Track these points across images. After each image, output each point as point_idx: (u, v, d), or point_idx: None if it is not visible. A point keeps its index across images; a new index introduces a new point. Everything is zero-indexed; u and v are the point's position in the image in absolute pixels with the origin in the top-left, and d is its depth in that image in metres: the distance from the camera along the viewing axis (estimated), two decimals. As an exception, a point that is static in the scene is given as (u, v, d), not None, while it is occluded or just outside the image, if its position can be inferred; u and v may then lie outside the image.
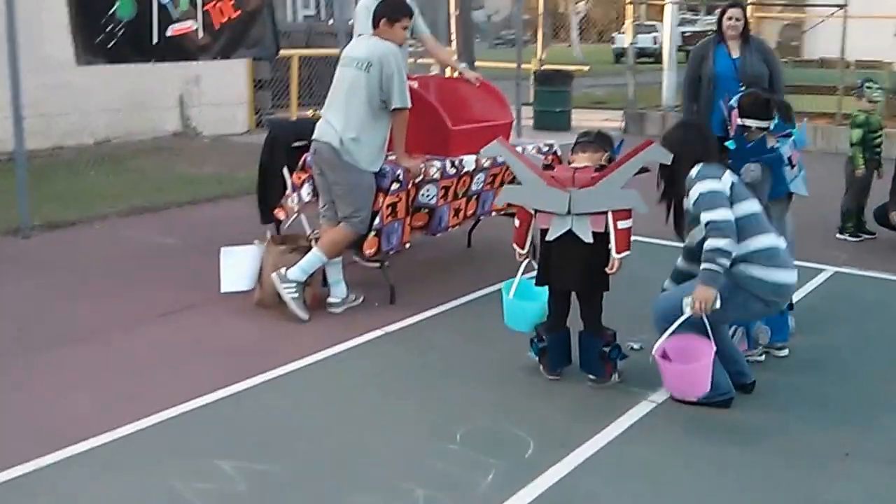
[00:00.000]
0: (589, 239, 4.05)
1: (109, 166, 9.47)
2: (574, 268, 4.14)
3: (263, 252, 5.28)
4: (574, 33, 33.71)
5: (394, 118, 5.06)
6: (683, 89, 7.15)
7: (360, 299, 5.40)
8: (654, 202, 4.19)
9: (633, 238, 4.14)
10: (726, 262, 3.78)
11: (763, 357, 4.63)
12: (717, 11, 7.21)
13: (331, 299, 5.30)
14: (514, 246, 4.33)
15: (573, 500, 3.34)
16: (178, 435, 3.77)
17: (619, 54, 30.66)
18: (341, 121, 5.00)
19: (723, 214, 3.82)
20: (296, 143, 6.59)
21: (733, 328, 4.44)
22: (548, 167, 4.16)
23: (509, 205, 6.10)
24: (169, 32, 7.21)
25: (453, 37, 13.94)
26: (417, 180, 5.30)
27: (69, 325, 5.03)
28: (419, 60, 10.71)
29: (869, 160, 7.16)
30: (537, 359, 4.37)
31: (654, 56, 29.12)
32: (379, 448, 3.68)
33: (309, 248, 5.21)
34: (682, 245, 4.24)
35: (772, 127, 4.68)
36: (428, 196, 5.45)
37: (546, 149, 6.27)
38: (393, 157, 5.23)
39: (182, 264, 6.24)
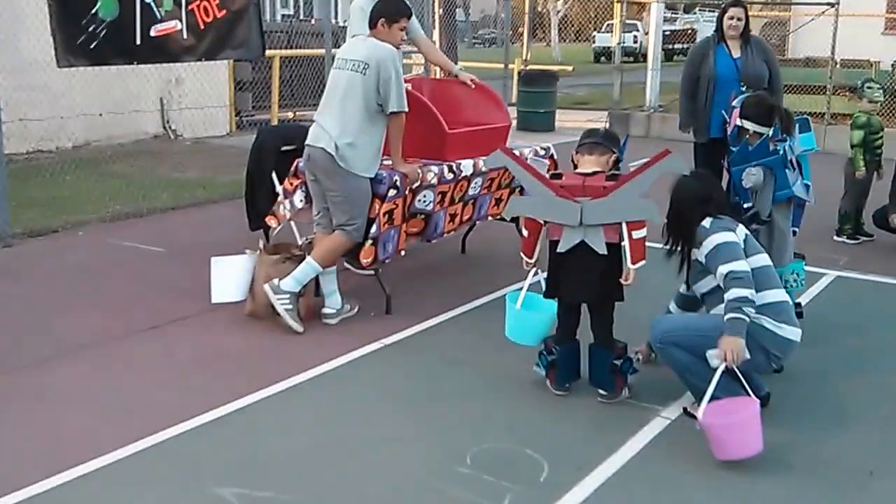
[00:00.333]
0: (603, 250, 3.90)
1: (89, 170, 9.22)
2: (587, 279, 3.98)
3: (255, 262, 5.08)
4: (554, 33, 33.65)
5: (390, 122, 4.89)
6: (681, 88, 7.00)
7: (356, 309, 5.22)
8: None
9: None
10: (751, 311, 3.67)
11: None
12: (716, 11, 7.08)
13: (325, 310, 5.11)
14: (522, 255, 4.16)
15: (594, 525, 3.19)
16: (171, 460, 3.57)
17: (599, 54, 30.75)
18: (336, 125, 4.82)
19: (743, 266, 3.73)
20: (284, 148, 6.44)
21: None
22: (556, 176, 3.98)
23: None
24: (152, 33, 6.99)
25: (435, 37, 13.78)
26: (414, 186, 5.12)
27: (55, 340, 4.81)
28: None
29: (869, 162, 7.07)
30: (544, 373, 4.21)
31: (633, 55, 29.20)
32: (387, 471, 3.50)
33: (302, 258, 5.03)
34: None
35: (769, 135, 4.56)
36: (424, 202, 5.28)
37: (542, 153, 6.12)
38: (388, 163, 5.05)
39: (170, 273, 6.03)
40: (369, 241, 4.94)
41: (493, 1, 45.61)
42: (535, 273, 4.18)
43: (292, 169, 5.44)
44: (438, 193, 5.32)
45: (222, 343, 4.78)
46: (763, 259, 3.90)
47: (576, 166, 4.12)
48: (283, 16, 21.65)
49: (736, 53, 6.69)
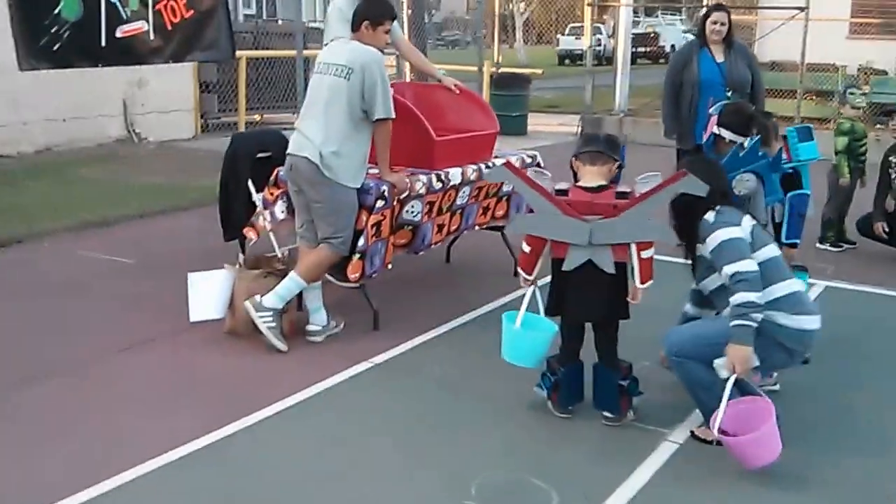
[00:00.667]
0: (611, 270, 3.71)
1: (53, 176, 8.87)
2: (593, 297, 3.79)
3: (234, 277, 4.83)
4: (519, 35, 33.54)
5: (377, 130, 4.66)
6: (664, 93, 6.88)
7: (341, 326, 4.98)
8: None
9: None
10: (759, 317, 3.50)
11: (778, 386, 4.35)
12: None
13: (310, 327, 4.87)
14: (520, 271, 3.95)
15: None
16: (149, 500, 3.31)
17: (563, 56, 30.74)
18: (320, 133, 4.58)
19: (749, 266, 3.55)
20: (260, 155, 6.19)
21: None
22: (561, 192, 3.77)
23: (494, 217, 5.85)
24: (118, 34, 6.66)
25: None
26: (402, 196, 4.91)
27: (20, 364, 4.50)
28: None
29: (854, 168, 6.98)
30: (546, 394, 4.02)
31: (597, 58, 29.20)
32: (387, 506, 3.29)
33: (285, 272, 4.79)
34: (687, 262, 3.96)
35: (746, 144, 4.41)
36: (413, 213, 5.06)
37: (529, 160, 5.93)
38: (374, 172, 4.83)
39: (141, 287, 5.74)
40: (357, 255, 4.72)
41: (460, 2, 45.46)
42: (534, 291, 3.97)
43: (272, 178, 5.20)
44: (426, 203, 5.11)
45: (202, 365, 4.52)
46: (771, 250, 3.71)
47: (575, 173, 3.93)
48: (245, 16, 21.25)
49: (720, 58, 6.59)
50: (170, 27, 6.99)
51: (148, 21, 6.80)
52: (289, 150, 4.70)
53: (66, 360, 4.54)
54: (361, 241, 4.71)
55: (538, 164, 5.97)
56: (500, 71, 14.41)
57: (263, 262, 5.02)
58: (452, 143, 5.29)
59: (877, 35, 15.92)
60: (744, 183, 4.36)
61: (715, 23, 6.59)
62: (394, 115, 4.63)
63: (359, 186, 4.69)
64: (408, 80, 9.97)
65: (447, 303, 5.50)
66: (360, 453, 3.67)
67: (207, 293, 4.77)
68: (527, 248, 3.83)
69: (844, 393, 4.35)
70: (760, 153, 4.45)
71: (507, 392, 4.23)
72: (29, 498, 3.26)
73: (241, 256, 4.89)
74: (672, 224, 3.83)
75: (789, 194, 4.70)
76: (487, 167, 5.50)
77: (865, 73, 14.05)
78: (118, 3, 6.70)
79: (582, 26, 31.50)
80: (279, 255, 5.13)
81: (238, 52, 11.49)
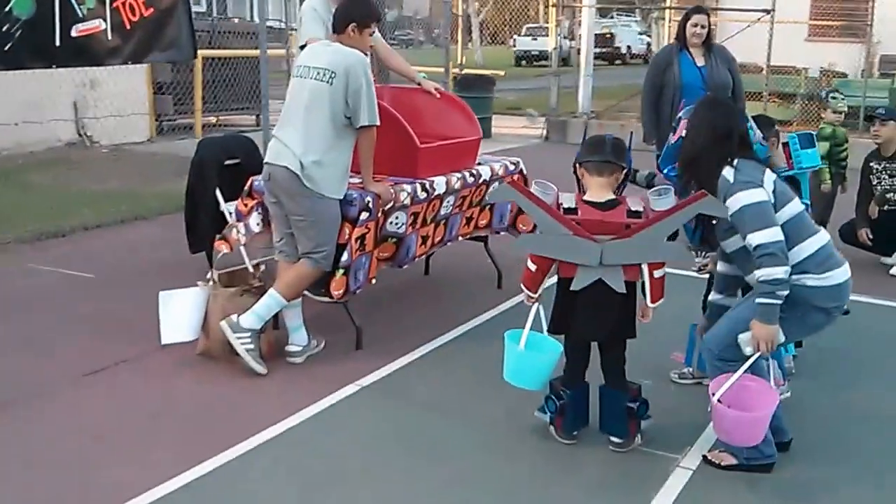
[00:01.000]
0: (622, 290, 3.49)
1: (0, 183, 8.39)
2: (602, 317, 3.56)
3: (209, 295, 4.50)
4: (476, 35, 33.34)
5: (361, 137, 4.38)
6: (644, 98, 6.72)
7: (322, 345, 4.69)
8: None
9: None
10: (785, 292, 3.26)
11: (789, 394, 4.18)
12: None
13: (290, 347, 4.57)
14: (524, 288, 3.69)
15: None
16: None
17: (520, 57, 30.64)
18: (300, 141, 4.29)
19: (773, 235, 3.26)
20: (228, 162, 5.90)
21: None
22: (570, 211, 3.51)
23: (477, 227, 5.60)
24: (73, 33, 6.28)
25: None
26: (387, 207, 4.63)
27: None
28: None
29: (835, 174, 6.86)
30: (549, 419, 3.78)
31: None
32: (390, 551, 3.01)
33: (262, 290, 4.49)
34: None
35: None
36: (397, 224, 4.79)
37: (512, 167, 5.69)
38: (356, 181, 4.55)
39: (104, 304, 5.37)
40: (340, 271, 4.43)
41: (422, 1, 45.08)
42: (538, 309, 3.72)
43: (246, 188, 4.88)
44: (411, 214, 4.84)
45: (175, 392, 4.19)
46: (795, 206, 3.43)
47: (579, 179, 3.70)
48: (196, 13, 20.66)
49: (700, 62, 6.46)
50: (128, 26, 6.63)
51: (105, 19, 6.43)
52: (266, 159, 4.40)
53: (24, 388, 4.17)
54: (345, 256, 4.43)
55: (521, 171, 5.75)
56: (463, 72, 14.17)
57: (238, 279, 4.70)
58: (436, 151, 5.03)
59: (836, 38, 16.03)
60: None
61: (695, 25, 6.46)
62: (379, 122, 4.35)
63: (341, 197, 4.41)
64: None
65: (431, 318, 5.24)
66: (347, 490, 3.38)
67: (180, 313, 4.44)
68: (532, 266, 3.57)
69: (853, 408, 4.19)
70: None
71: (501, 415, 3.99)
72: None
73: (214, 273, 4.55)
74: (683, 173, 3.56)
75: None
76: (472, 175, 5.26)
77: (827, 76, 14.09)
78: (73, 1, 6.32)
79: (539, 27, 31.58)
80: (251, 270, 4.81)
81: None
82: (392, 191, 4.61)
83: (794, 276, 3.33)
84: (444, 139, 5.24)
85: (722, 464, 3.59)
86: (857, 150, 7.14)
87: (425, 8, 41.15)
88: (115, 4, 6.59)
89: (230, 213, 5.67)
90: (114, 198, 8.17)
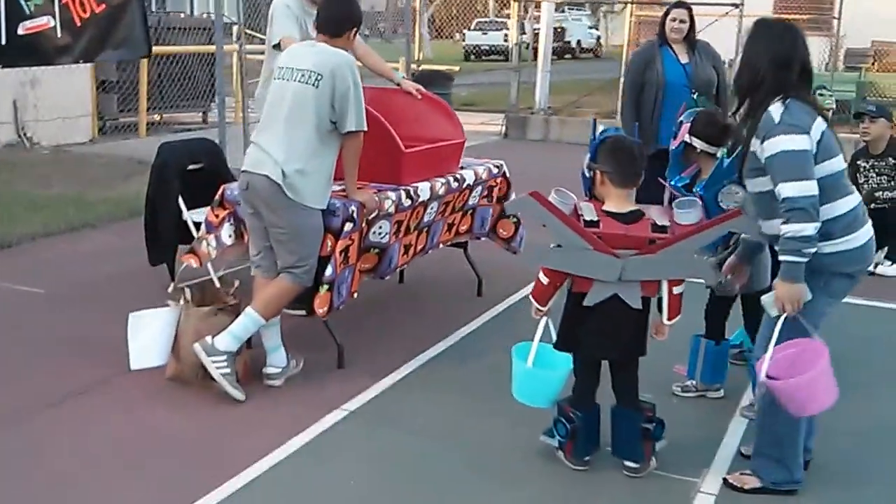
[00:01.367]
0: (638, 306, 3.26)
1: (-64, 190, 7.87)
2: (616, 334, 3.33)
3: (180, 315, 4.15)
4: (425, 30, 32.99)
5: (346, 144, 4.07)
6: (625, 97, 6.49)
7: (301, 364, 4.38)
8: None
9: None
10: (812, 250, 3.00)
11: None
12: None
13: (268, 369, 4.24)
14: (532, 300, 3.42)
15: None
16: None
17: (470, 52, 30.36)
18: (282, 148, 3.96)
19: (807, 188, 2.97)
20: (191, 167, 5.55)
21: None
22: (591, 224, 3.25)
23: (458, 233, 5.32)
24: (20, 31, 5.86)
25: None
26: (371, 217, 4.33)
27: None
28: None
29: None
30: (557, 444, 3.52)
31: (504, 54, 28.95)
32: None
33: (237, 307, 4.16)
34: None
35: (719, 155, 4.02)
36: (380, 234, 4.49)
37: (496, 170, 5.43)
38: (337, 189, 4.24)
39: (58, 324, 4.96)
40: (325, 287, 4.12)
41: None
42: (547, 323, 3.47)
43: (217, 197, 4.54)
44: (395, 223, 4.55)
45: (146, 423, 3.83)
46: (837, 163, 3.12)
47: (590, 183, 3.44)
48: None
49: (684, 59, 6.25)
50: (79, 23, 6.22)
51: (54, 16, 6.02)
52: (244, 167, 4.06)
53: (-22, 422, 3.80)
54: (329, 271, 4.12)
55: (504, 174, 5.49)
56: (420, 68, 13.87)
57: (209, 295, 4.36)
58: (421, 156, 4.74)
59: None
60: (732, 195, 3.95)
61: (674, 20, 6.24)
62: (366, 127, 4.05)
63: (325, 207, 4.10)
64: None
65: (412, 331, 4.96)
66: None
67: (150, 336, 4.08)
68: (545, 280, 3.31)
69: (866, 415, 4.03)
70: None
71: (501, 439, 3.74)
72: None
73: (187, 291, 4.19)
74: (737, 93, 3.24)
75: None
76: (456, 180, 4.98)
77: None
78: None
79: (490, 21, 31.36)
80: (217, 285, 4.48)
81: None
82: (377, 199, 4.32)
83: (818, 243, 3.05)
84: (426, 142, 4.96)
85: (745, 487, 3.38)
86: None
87: (381, 2, 40.66)
88: (63, 0, 6.17)
89: (193, 222, 5.33)
90: (60, 204, 7.69)
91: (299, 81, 3.95)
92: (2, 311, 5.18)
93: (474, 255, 5.70)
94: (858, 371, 4.49)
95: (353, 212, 4.17)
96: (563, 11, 27.50)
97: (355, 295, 4.45)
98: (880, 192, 6.40)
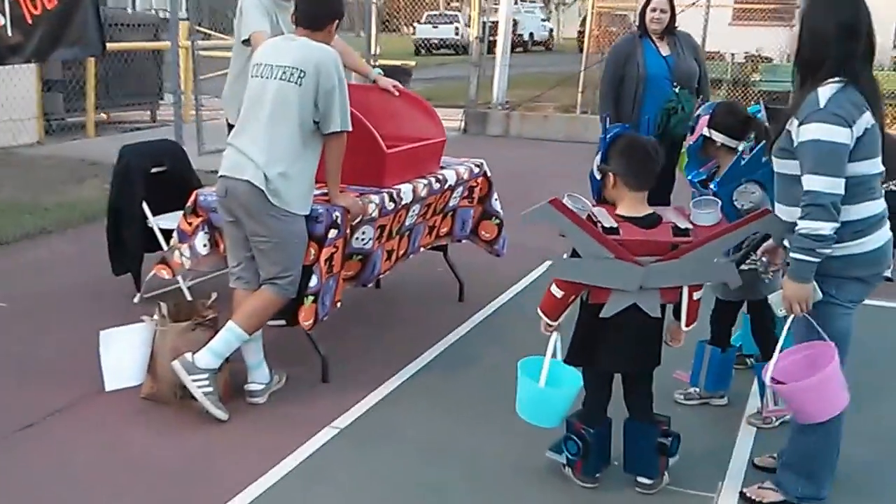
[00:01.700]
0: (657, 314, 3.10)
1: None
2: (633, 346, 3.17)
3: (155, 331, 3.89)
4: (374, 23, 32.66)
5: (329, 145, 3.85)
6: (603, 92, 6.31)
7: (283, 380, 4.15)
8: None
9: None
10: (826, 251, 2.84)
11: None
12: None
13: (251, 386, 4.00)
14: (542, 315, 3.23)
15: None
16: None
17: (420, 46, 30.12)
18: (262, 150, 3.72)
19: (833, 186, 2.79)
20: (154, 170, 5.28)
21: None
22: (611, 231, 3.07)
23: (437, 236, 5.12)
24: (-33, 29, 5.52)
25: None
26: (355, 222, 4.12)
27: None
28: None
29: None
30: (565, 460, 3.35)
31: (455, 48, 28.78)
32: None
33: (216, 322, 3.91)
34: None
35: (740, 148, 3.90)
36: (363, 240, 4.28)
37: (476, 169, 5.24)
38: (319, 194, 4.01)
39: (23, 340, 4.64)
40: (310, 298, 3.89)
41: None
42: (557, 338, 3.28)
43: (190, 203, 4.28)
44: (378, 228, 4.34)
45: (125, 447, 3.56)
46: (872, 166, 2.91)
47: (600, 184, 3.28)
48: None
49: (665, 51, 6.09)
50: (30, 20, 5.89)
51: (4, 14, 5.71)
52: (222, 171, 3.81)
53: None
54: (314, 281, 3.90)
55: (485, 173, 5.31)
56: (378, 63, 13.60)
57: (185, 309, 4.10)
58: (403, 156, 4.53)
59: (760, 21, 16.06)
60: (748, 194, 3.83)
61: (654, 10, 6.07)
62: (351, 128, 3.83)
63: (308, 213, 3.87)
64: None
65: (396, 341, 4.75)
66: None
67: (125, 354, 3.82)
68: (558, 293, 3.12)
69: (885, 420, 3.91)
70: (764, 159, 3.94)
71: (500, 454, 3.57)
72: None
73: (163, 306, 3.93)
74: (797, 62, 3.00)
75: None
76: (437, 181, 4.78)
77: (753, 61, 14.12)
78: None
79: (440, 14, 31.10)
80: (188, 297, 4.23)
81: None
82: (361, 203, 4.10)
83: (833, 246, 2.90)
84: (406, 141, 4.74)
85: (764, 501, 3.24)
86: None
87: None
88: (13, -4, 5.84)
89: (160, 229, 5.07)
90: (10, 210, 7.30)
91: (280, 79, 3.71)
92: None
93: (456, 258, 5.51)
94: (870, 373, 4.38)
95: (336, 218, 3.95)
96: (515, 3, 27.43)
97: (339, 304, 4.23)
98: None
